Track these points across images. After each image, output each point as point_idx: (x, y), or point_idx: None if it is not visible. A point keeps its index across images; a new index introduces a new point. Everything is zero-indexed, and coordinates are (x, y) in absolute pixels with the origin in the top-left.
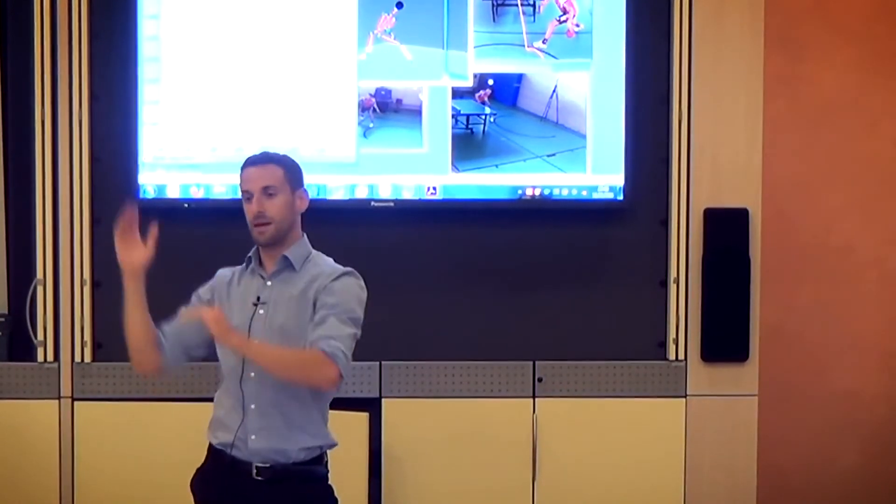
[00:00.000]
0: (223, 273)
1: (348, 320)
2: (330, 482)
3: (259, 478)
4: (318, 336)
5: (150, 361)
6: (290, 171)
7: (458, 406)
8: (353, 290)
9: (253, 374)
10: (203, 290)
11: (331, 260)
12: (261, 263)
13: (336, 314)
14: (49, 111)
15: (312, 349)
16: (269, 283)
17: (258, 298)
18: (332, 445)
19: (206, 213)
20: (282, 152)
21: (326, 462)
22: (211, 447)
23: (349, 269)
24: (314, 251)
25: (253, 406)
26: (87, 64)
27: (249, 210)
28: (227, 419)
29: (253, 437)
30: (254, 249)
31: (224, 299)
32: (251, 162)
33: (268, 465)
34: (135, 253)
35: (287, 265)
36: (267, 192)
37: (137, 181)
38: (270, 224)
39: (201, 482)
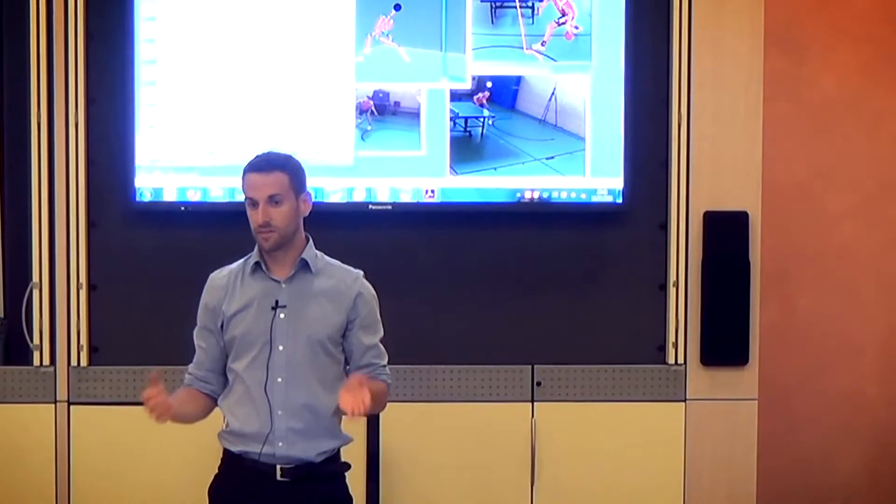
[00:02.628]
0: (217, 277)
1: (382, 337)
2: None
3: (283, 479)
4: (376, 364)
5: (207, 413)
6: (295, 176)
7: (457, 410)
8: (375, 297)
9: (280, 378)
10: (208, 300)
11: (336, 261)
12: (266, 267)
13: (377, 333)
14: (45, 113)
15: (382, 384)
16: (283, 285)
17: (276, 302)
18: (348, 441)
19: (203, 217)
20: (285, 152)
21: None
22: (228, 453)
23: (359, 270)
24: (317, 251)
25: (280, 412)
26: (83, 66)
27: (254, 217)
28: (249, 429)
29: (280, 444)
30: (257, 252)
31: (228, 305)
32: (256, 168)
33: (292, 466)
34: (164, 416)
35: (304, 267)
36: (273, 200)
37: (134, 184)
38: (275, 231)
39: (221, 488)
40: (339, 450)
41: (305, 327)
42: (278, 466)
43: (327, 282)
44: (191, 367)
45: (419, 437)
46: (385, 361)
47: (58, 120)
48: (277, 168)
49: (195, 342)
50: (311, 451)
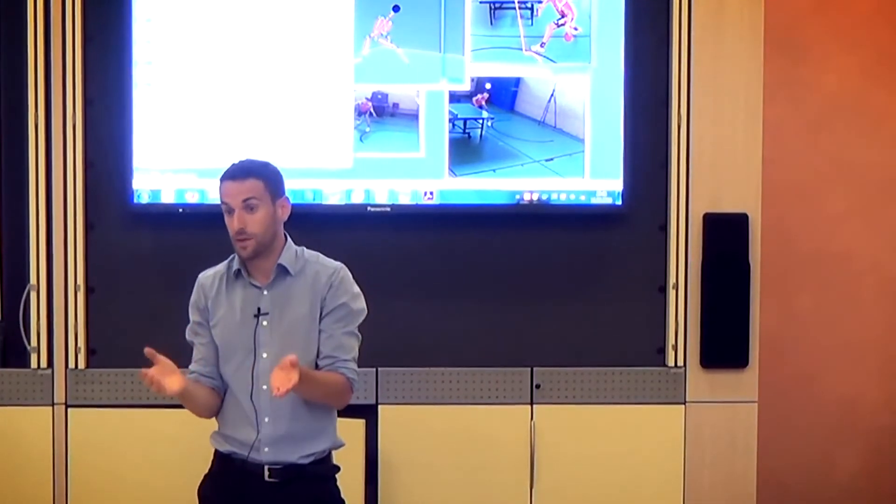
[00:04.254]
0: (204, 279)
1: (356, 331)
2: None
3: (272, 479)
4: (337, 357)
5: (215, 405)
6: (271, 182)
7: (455, 413)
8: (353, 288)
9: (265, 386)
10: (197, 299)
11: (317, 253)
12: (248, 273)
13: (346, 326)
14: (43, 115)
15: (337, 375)
16: (265, 292)
17: (258, 310)
18: (340, 446)
19: (201, 218)
20: (261, 159)
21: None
22: (218, 453)
23: (339, 263)
24: (297, 248)
25: (267, 419)
26: (80, 68)
27: (230, 224)
28: (238, 434)
29: (266, 449)
30: (237, 259)
31: (214, 308)
32: (230, 175)
33: (280, 467)
34: (170, 380)
35: (283, 272)
36: (248, 205)
37: (131, 186)
38: (252, 239)
39: (210, 488)
40: (329, 452)
41: (288, 332)
42: (266, 467)
43: (306, 281)
44: (192, 364)
45: (418, 440)
46: (349, 356)
47: (55, 121)
48: (252, 175)
49: (190, 339)
50: (298, 453)
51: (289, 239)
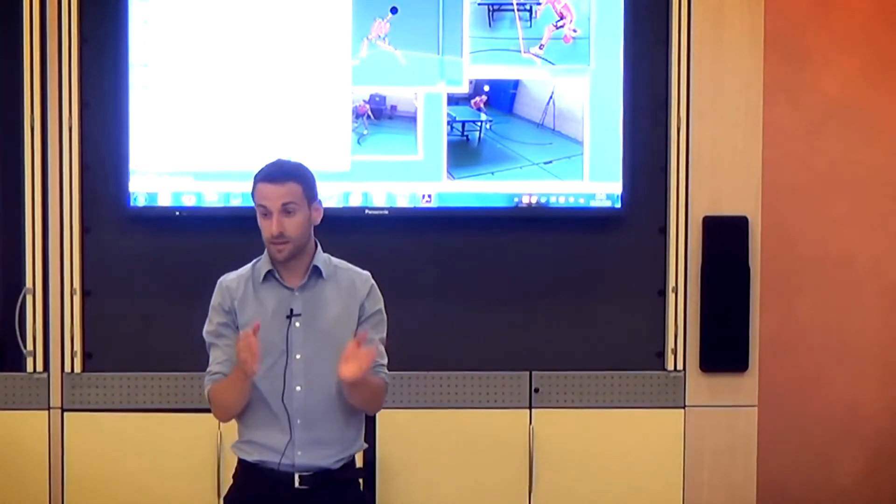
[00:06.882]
0: (228, 281)
1: (384, 339)
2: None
3: (302, 486)
4: (377, 361)
5: (238, 413)
6: (308, 185)
7: (454, 417)
8: (381, 298)
9: (299, 387)
10: (221, 301)
11: (344, 261)
12: (278, 275)
13: (380, 332)
14: (39, 118)
15: (379, 379)
16: (297, 293)
17: (291, 311)
18: (363, 448)
19: (198, 221)
20: (295, 160)
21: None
22: (243, 462)
23: (367, 272)
24: (324, 254)
25: (299, 421)
26: (77, 70)
27: (266, 227)
28: (268, 440)
29: (299, 452)
30: (267, 260)
31: (241, 311)
32: (269, 177)
33: (310, 474)
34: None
35: (316, 274)
36: (286, 210)
37: (128, 189)
38: (289, 243)
39: (238, 499)
40: (354, 456)
41: (322, 334)
42: (297, 474)
43: (339, 285)
44: (216, 366)
45: (416, 444)
46: (385, 361)
47: (51, 124)
48: (291, 178)
49: (212, 341)
50: (331, 458)
51: (318, 245)
